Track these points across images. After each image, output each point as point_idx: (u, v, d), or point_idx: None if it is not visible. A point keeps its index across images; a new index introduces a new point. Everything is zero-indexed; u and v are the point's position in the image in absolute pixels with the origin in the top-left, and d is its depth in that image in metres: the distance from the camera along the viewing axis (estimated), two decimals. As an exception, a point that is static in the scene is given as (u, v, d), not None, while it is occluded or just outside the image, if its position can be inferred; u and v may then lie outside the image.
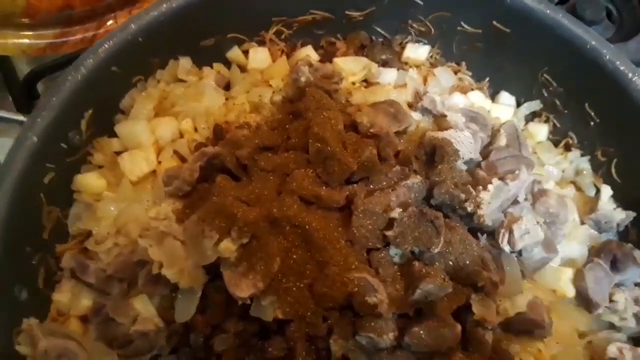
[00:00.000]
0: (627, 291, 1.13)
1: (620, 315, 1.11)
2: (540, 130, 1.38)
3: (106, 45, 1.17)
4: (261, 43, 1.44)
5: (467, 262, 0.99)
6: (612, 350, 1.04)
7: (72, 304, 1.10)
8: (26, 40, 1.49)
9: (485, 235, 1.06)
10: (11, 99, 1.54)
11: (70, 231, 1.17)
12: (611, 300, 1.10)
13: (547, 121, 1.40)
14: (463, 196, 1.03)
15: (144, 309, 1.04)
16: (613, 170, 1.28)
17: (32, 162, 1.06)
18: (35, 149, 1.07)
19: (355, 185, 1.09)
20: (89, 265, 1.07)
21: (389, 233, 0.99)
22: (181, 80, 1.34)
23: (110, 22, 1.55)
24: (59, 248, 1.14)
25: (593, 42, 1.24)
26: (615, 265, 1.13)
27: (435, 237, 0.97)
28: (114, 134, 1.24)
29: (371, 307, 0.94)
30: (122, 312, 1.02)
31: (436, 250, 0.97)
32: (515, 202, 1.09)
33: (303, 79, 1.24)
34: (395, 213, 1.00)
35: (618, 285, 1.15)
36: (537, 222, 1.04)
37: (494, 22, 1.36)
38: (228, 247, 0.97)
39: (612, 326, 1.12)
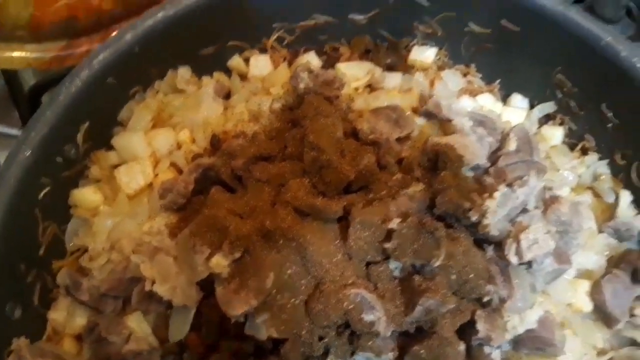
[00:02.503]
0: (649, 305, 1.04)
1: (642, 331, 1.03)
2: (555, 134, 1.31)
3: (101, 57, 1.15)
4: (263, 51, 1.40)
5: (472, 275, 0.92)
6: (635, 368, 0.97)
7: (67, 323, 1.07)
8: (32, 54, 1.48)
9: (492, 247, 1.00)
10: (18, 115, 1.55)
11: (68, 247, 1.15)
12: (632, 315, 1.02)
13: (562, 124, 1.33)
14: (467, 205, 0.96)
15: (138, 327, 1.01)
16: (633, 175, 1.19)
17: (26, 177, 1.04)
18: (29, 164, 1.05)
19: (354, 195, 1.04)
20: (82, 282, 1.05)
21: (388, 245, 0.94)
22: (181, 91, 1.31)
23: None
24: (56, 264, 1.13)
25: (608, 39, 1.17)
26: (636, 277, 1.05)
27: (435, 250, 0.91)
28: (112, 147, 1.22)
29: (369, 325, 0.89)
30: (115, 331, 1.00)
31: (437, 264, 0.91)
32: (524, 210, 1.02)
33: (302, 86, 1.20)
34: (394, 224, 0.94)
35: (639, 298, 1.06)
36: (548, 231, 0.97)
37: (503, 21, 1.30)
38: (219, 262, 0.93)
39: (634, 343, 1.04)
